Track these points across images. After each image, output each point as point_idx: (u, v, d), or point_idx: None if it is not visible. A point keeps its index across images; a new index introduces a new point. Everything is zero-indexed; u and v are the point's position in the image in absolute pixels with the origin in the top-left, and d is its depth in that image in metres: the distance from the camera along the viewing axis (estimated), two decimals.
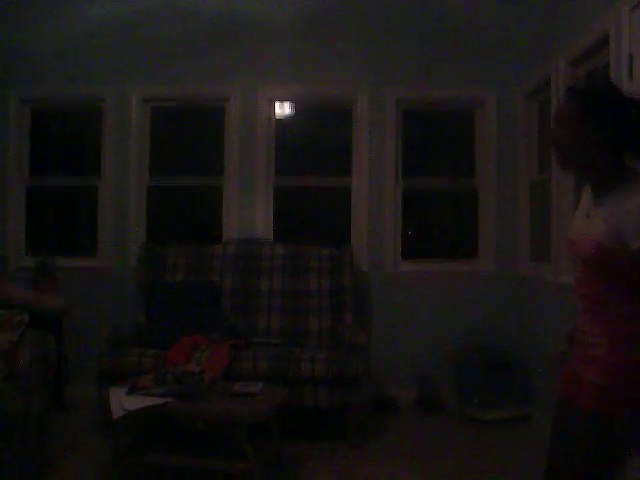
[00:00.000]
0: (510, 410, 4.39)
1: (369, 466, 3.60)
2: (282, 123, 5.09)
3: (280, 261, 4.59)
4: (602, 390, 1.75)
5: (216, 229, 5.03)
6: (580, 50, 3.69)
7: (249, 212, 4.93)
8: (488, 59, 4.90)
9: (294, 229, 5.25)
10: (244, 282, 4.55)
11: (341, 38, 4.94)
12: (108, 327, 4.09)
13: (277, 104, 5.05)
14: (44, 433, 3.34)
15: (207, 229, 5.17)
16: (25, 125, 5.08)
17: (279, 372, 3.79)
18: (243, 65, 4.95)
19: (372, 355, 4.72)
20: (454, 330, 4.79)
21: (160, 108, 5.12)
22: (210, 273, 4.57)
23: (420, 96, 4.95)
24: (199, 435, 3.53)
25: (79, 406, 4.47)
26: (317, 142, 5.20)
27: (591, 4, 3.53)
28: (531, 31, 4.62)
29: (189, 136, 5.27)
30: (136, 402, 3.11)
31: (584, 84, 1.91)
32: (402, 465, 3.63)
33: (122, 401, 3.13)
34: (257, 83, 4.96)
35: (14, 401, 3.13)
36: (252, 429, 3.19)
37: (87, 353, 4.36)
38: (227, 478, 3.26)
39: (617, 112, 1.79)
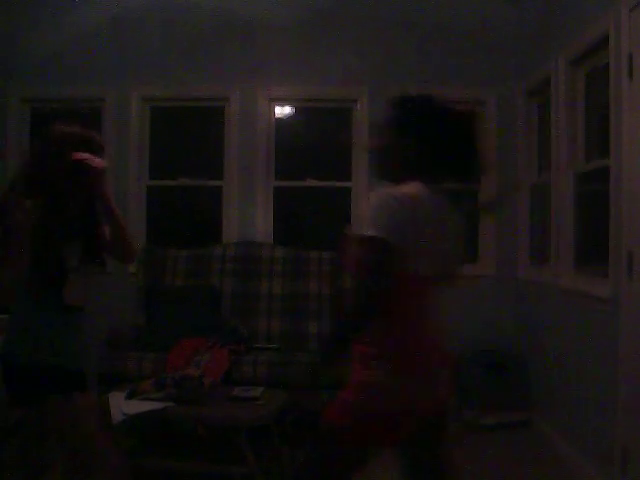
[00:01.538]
0: (509, 414, 4.38)
1: (368, 469, 3.58)
2: (282, 123, 5.08)
3: (280, 264, 4.57)
4: (345, 404, 1.82)
5: (216, 231, 5.02)
6: (580, 50, 3.68)
7: (249, 214, 4.92)
8: (488, 59, 4.89)
9: (294, 231, 5.23)
10: (244, 285, 4.54)
11: (341, 38, 4.92)
12: (107, 330, 4.08)
13: (277, 104, 5.04)
14: (43, 436, 3.34)
15: (207, 231, 5.16)
16: (25, 125, 5.06)
17: (279, 376, 3.78)
18: (243, 65, 4.94)
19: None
20: (453, 334, 4.75)
21: (160, 108, 5.11)
22: (210, 276, 4.56)
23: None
24: (199, 440, 3.53)
25: None
26: (317, 143, 5.19)
27: (591, 4, 3.53)
28: (531, 31, 4.60)
29: (189, 137, 5.25)
30: (136, 407, 3.11)
31: (401, 95, 1.96)
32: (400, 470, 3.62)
33: (122, 406, 3.13)
34: (257, 83, 4.95)
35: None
36: (252, 434, 3.19)
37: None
38: None
39: (423, 124, 1.84)
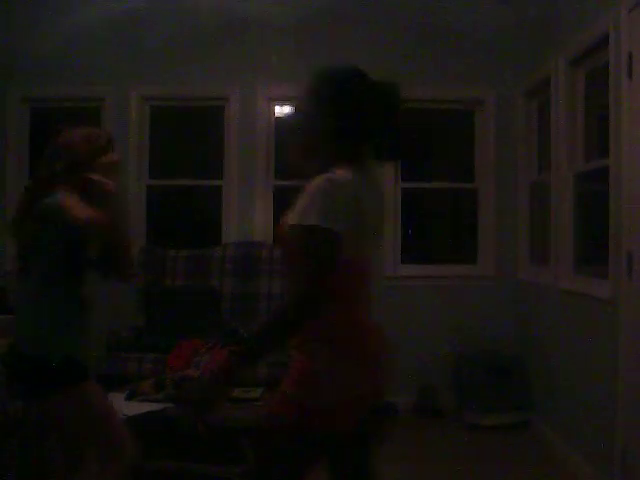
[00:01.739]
0: (509, 415, 4.38)
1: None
2: (282, 123, 5.07)
3: (279, 264, 4.57)
4: (285, 397, 1.73)
5: (215, 231, 5.01)
6: (580, 49, 3.68)
7: (249, 214, 4.92)
8: (487, 59, 4.89)
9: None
10: (243, 285, 4.54)
11: (340, 38, 4.92)
12: (107, 331, 4.08)
13: (277, 104, 5.04)
14: (43, 436, 3.34)
15: (206, 231, 5.16)
16: (25, 125, 5.06)
17: (279, 377, 3.77)
18: (243, 65, 4.93)
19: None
20: (453, 335, 4.77)
21: (159, 108, 5.11)
22: (209, 276, 4.56)
23: (419, 96, 4.93)
24: (199, 441, 3.52)
25: None
26: None
27: (591, 4, 3.53)
28: (531, 31, 4.60)
29: (188, 136, 5.25)
30: (135, 408, 3.11)
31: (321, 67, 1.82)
32: (401, 470, 3.62)
33: (121, 407, 3.13)
34: (257, 83, 4.95)
35: (13, 404, 3.14)
36: (252, 434, 3.18)
37: None
38: None
39: (342, 96, 1.72)
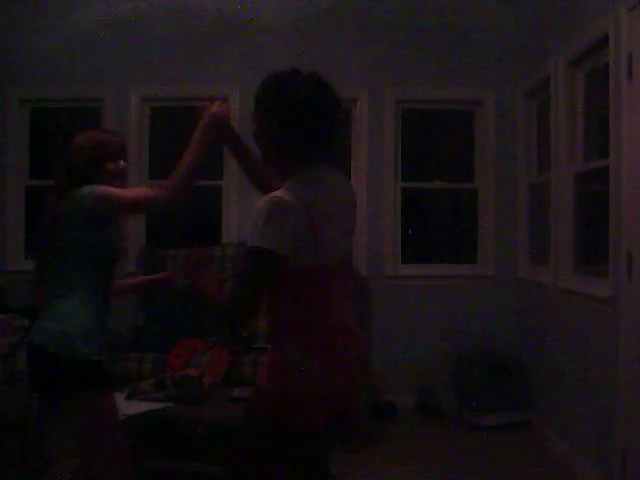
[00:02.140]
0: (509, 415, 4.38)
1: (368, 471, 3.59)
2: None
3: None
4: (259, 391, 1.83)
5: (215, 231, 5.01)
6: (580, 50, 3.68)
7: (248, 214, 4.90)
8: (487, 59, 4.89)
9: None
10: None
11: (340, 38, 4.92)
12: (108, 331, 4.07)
13: None
14: (42, 436, 3.34)
15: (206, 231, 5.16)
16: (25, 125, 5.06)
17: None
18: (242, 65, 4.93)
19: (371, 360, 4.69)
20: (453, 334, 4.77)
21: (159, 108, 5.11)
22: None
23: (419, 96, 4.94)
24: (199, 440, 3.52)
25: None
26: None
27: (590, 4, 3.53)
28: (530, 31, 4.61)
29: (188, 137, 5.24)
30: (135, 407, 3.11)
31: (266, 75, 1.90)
32: (401, 471, 3.63)
33: (121, 406, 3.13)
34: (256, 83, 4.91)
35: (13, 404, 3.15)
36: None
37: None
38: None
39: (283, 100, 1.77)
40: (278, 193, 1.74)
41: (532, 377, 4.45)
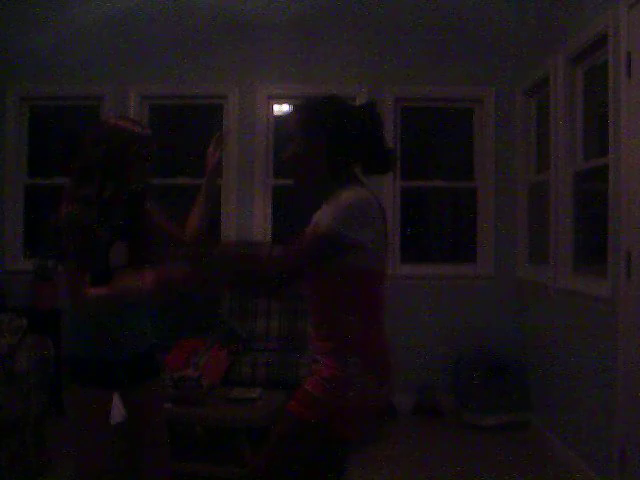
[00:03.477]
0: (508, 415, 4.38)
1: (367, 471, 3.59)
2: (280, 121, 5.06)
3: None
4: (310, 397, 1.81)
5: (215, 231, 5.00)
6: (579, 48, 3.68)
7: (247, 213, 4.91)
8: (487, 57, 4.89)
9: (293, 231, 5.21)
10: None
11: (339, 37, 4.92)
12: None
13: (275, 102, 5.03)
14: (42, 436, 3.34)
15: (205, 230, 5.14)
16: (24, 124, 5.05)
17: (278, 377, 3.78)
18: (242, 64, 4.93)
19: None
20: (453, 334, 4.76)
21: (158, 106, 5.10)
22: None
23: (419, 94, 4.93)
24: (198, 440, 3.52)
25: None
26: None
27: (590, 2, 3.52)
28: (530, 29, 4.59)
29: (187, 135, 5.25)
30: None
31: (305, 101, 1.96)
32: (400, 470, 3.63)
33: (121, 406, 3.12)
34: (255, 82, 4.94)
35: (13, 404, 3.15)
36: (251, 434, 3.18)
37: None
38: None
39: (332, 123, 1.82)
40: (359, 190, 1.78)
41: (531, 377, 4.44)
